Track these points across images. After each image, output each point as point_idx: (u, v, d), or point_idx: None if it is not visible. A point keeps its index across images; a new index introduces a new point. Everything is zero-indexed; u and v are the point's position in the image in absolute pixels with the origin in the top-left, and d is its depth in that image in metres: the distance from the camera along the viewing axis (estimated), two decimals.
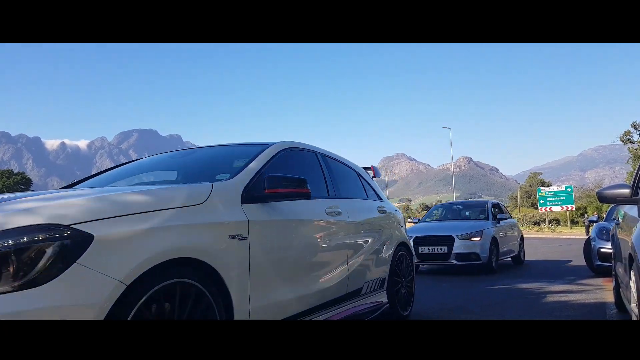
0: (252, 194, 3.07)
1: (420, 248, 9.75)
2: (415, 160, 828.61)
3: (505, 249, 10.70)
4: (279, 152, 3.75)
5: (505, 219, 11.25)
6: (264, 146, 3.75)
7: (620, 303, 5.01)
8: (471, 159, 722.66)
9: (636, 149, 44.78)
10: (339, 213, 4.08)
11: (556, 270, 10.27)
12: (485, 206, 11.47)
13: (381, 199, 5.51)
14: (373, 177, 5.73)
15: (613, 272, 5.41)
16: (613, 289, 5.53)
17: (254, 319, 2.83)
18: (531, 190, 74.19)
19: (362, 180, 5.25)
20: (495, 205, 11.71)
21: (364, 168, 5.61)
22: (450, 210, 12.62)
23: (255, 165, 3.32)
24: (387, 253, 4.93)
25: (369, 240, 4.57)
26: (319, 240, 3.74)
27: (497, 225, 10.52)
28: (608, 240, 8.16)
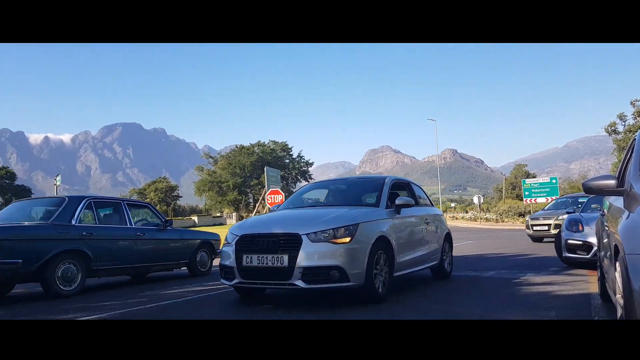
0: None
1: (245, 258, 5.40)
2: (400, 152, 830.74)
3: (410, 257, 6.58)
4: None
5: (410, 205, 6.59)
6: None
7: (604, 294, 5.02)
8: (456, 151, 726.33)
9: (620, 140, 45.26)
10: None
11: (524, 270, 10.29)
12: (380, 184, 6.91)
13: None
14: None
15: (598, 264, 5.42)
16: (598, 280, 5.55)
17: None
18: (516, 181, 74.76)
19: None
20: (399, 185, 7.50)
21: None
22: (331, 191, 7.78)
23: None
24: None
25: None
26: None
27: (396, 216, 6.37)
28: (576, 232, 8.24)
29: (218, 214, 77.89)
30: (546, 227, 15.58)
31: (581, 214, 9.16)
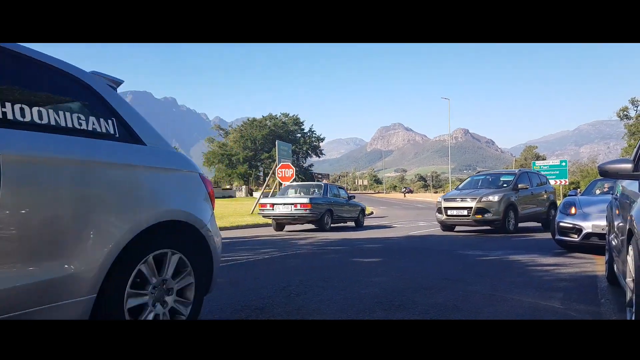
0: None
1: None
2: (412, 130, 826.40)
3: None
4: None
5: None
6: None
7: (612, 277, 5.05)
8: (468, 130, 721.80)
9: (632, 125, 44.76)
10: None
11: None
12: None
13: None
14: None
15: (606, 247, 5.44)
16: (605, 263, 5.57)
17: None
18: (526, 163, 74.43)
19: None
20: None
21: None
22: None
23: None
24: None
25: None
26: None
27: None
28: (569, 215, 8.27)
29: (227, 187, 78.17)
30: (465, 212, 12.70)
31: (579, 197, 9.16)
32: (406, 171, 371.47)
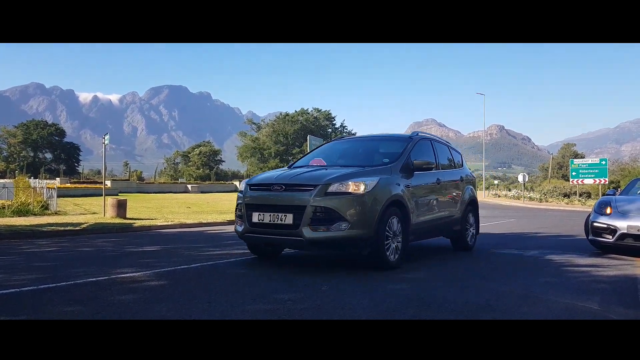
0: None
1: None
2: (445, 126, 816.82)
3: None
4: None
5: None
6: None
7: None
8: (503, 127, 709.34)
9: None
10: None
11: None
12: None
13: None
14: None
15: None
16: None
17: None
18: (563, 161, 72.65)
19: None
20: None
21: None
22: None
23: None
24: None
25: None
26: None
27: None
28: (603, 215, 7.99)
29: None
30: (279, 220, 5.78)
31: (617, 196, 8.82)
32: None
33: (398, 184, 6.30)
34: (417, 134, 7.71)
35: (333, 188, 5.67)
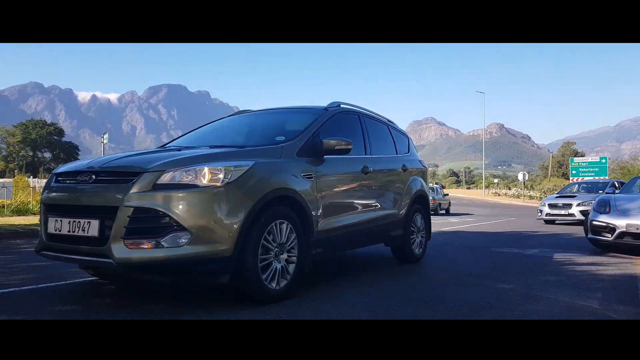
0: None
1: None
2: (444, 125, 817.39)
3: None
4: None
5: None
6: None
7: None
8: (503, 125, 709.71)
9: None
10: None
11: None
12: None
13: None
14: None
15: None
16: None
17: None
18: (563, 160, 72.66)
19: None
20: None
21: None
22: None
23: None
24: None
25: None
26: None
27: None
28: (603, 213, 7.98)
29: None
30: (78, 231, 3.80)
31: (615, 195, 8.80)
32: (438, 166, 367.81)
33: (291, 172, 4.25)
34: (338, 105, 5.59)
35: (166, 178, 3.54)
